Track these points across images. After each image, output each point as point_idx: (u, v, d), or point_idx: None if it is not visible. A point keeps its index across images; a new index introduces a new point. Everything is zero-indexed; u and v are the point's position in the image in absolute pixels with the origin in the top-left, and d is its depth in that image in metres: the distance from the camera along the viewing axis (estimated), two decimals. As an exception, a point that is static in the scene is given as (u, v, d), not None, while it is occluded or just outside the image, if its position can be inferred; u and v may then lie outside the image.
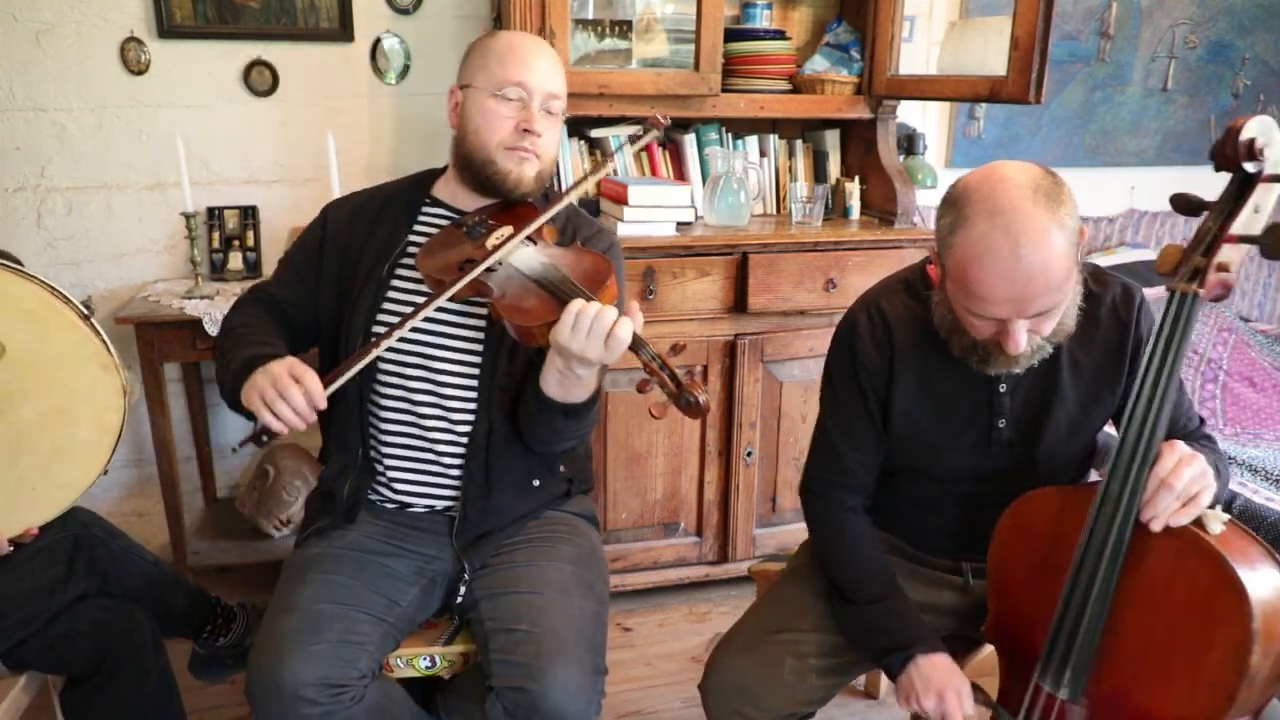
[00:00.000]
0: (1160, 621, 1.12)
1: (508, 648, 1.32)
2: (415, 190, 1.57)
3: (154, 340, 2.22)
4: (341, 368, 1.31)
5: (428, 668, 1.48)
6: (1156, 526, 1.11)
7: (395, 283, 1.48)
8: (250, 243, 2.56)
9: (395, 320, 1.42)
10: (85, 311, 1.39)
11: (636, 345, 1.20)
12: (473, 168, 1.47)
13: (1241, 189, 1.13)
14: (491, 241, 1.39)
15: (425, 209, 1.55)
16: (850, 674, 1.48)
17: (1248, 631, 1.03)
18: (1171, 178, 3.35)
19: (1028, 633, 1.26)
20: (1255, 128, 1.10)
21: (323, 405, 1.27)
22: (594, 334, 1.19)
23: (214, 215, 2.53)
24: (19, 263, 1.46)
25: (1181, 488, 1.10)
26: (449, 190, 1.55)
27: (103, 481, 1.47)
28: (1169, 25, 3.19)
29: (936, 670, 1.29)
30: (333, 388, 1.29)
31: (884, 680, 2.10)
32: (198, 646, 1.79)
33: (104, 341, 1.40)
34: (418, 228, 1.53)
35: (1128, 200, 3.34)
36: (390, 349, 1.41)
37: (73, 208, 2.47)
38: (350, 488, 1.50)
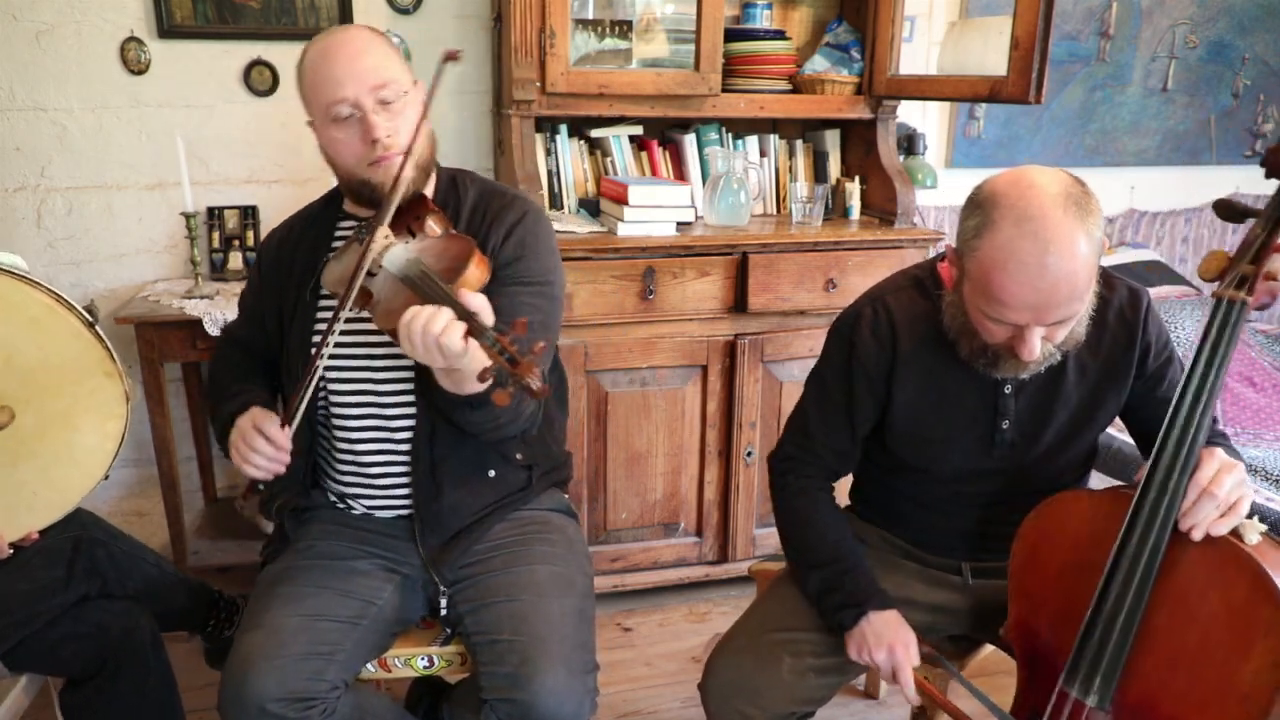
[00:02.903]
0: (1194, 631, 1.11)
1: (494, 659, 1.31)
2: (329, 207, 1.56)
3: (154, 340, 2.22)
4: (292, 402, 1.34)
5: (426, 668, 1.48)
6: (1197, 535, 1.10)
7: (321, 303, 1.47)
8: (250, 243, 2.56)
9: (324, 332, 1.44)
10: (89, 319, 1.40)
11: (475, 335, 1.14)
12: (353, 191, 1.45)
13: None
14: (373, 246, 1.33)
15: (340, 223, 1.53)
16: (849, 673, 1.48)
17: None
18: (1171, 178, 3.35)
19: (1053, 637, 1.25)
20: None
21: (287, 446, 1.33)
22: (425, 345, 1.14)
23: (214, 215, 2.53)
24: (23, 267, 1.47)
25: (1223, 496, 1.09)
26: (352, 203, 1.52)
27: (103, 481, 1.47)
28: (1169, 25, 3.19)
29: (887, 625, 1.32)
30: (291, 427, 1.34)
31: (884, 681, 2.10)
32: (205, 641, 1.80)
33: (107, 349, 1.40)
34: (335, 244, 1.50)
35: (1128, 200, 3.34)
36: (329, 366, 1.44)
37: (73, 208, 2.47)
38: (288, 510, 1.51)
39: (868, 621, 1.33)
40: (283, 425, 1.34)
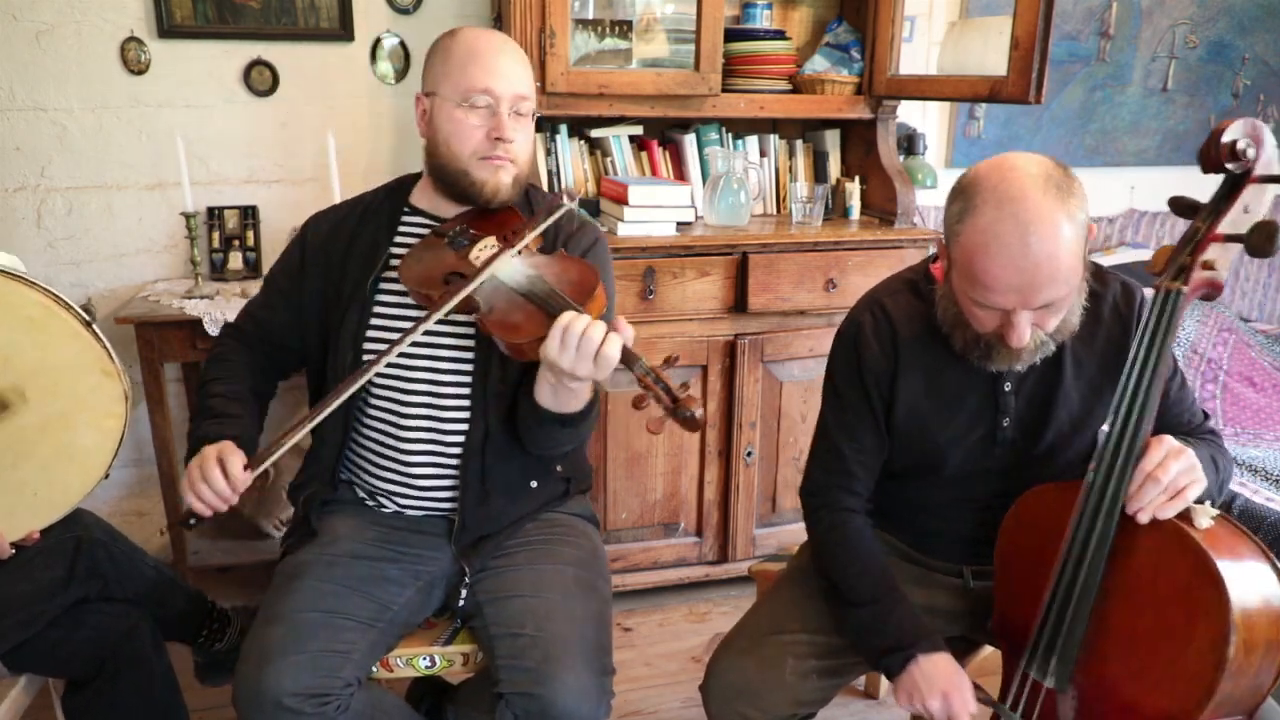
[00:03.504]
0: (1145, 613, 1.14)
1: (514, 653, 1.32)
2: (393, 199, 1.55)
3: (154, 340, 2.22)
4: (274, 444, 1.31)
5: (427, 667, 1.48)
6: (1143, 519, 1.13)
7: (380, 297, 1.47)
8: (250, 243, 2.56)
9: (383, 335, 1.44)
10: (87, 318, 1.39)
11: (628, 360, 1.18)
12: (447, 178, 1.45)
13: (1230, 190, 1.16)
14: (475, 253, 1.37)
15: (405, 218, 1.52)
16: (851, 674, 1.48)
17: (1226, 624, 1.05)
18: (1171, 178, 3.35)
19: (1024, 626, 1.27)
20: (1238, 130, 1.13)
21: (241, 489, 1.31)
22: (583, 351, 1.18)
23: (214, 215, 2.53)
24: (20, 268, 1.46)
25: (1168, 481, 1.12)
26: (427, 198, 1.53)
27: (103, 481, 1.47)
28: (1169, 25, 3.19)
29: (939, 670, 1.28)
30: (262, 467, 1.32)
31: (884, 680, 2.10)
32: (196, 654, 1.79)
33: (105, 347, 1.40)
34: (398, 238, 1.50)
35: (1128, 200, 3.35)
36: (391, 364, 1.43)
37: (73, 208, 2.47)
38: (315, 501, 1.51)
39: (918, 666, 1.27)
40: (248, 467, 1.32)
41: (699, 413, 1.15)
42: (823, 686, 1.42)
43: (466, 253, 1.38)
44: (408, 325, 1.40)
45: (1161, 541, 1.13)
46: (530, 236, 1.37)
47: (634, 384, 1.20)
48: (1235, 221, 1.16)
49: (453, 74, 1.41)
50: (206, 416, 1.43)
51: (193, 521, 1.32)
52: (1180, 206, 1.21)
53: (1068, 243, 1.15)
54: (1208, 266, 1.16)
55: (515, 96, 1.42)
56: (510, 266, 1.34)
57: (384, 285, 1.47)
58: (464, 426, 1.45)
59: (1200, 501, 1.15)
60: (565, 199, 1.42)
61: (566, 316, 1.19)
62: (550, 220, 1.41)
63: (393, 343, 1.34)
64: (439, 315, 1.31)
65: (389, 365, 1.41)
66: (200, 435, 1.39)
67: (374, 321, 1.46)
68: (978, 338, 1.28)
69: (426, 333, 1.39)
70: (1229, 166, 1.14)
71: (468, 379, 1.44)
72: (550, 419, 1.32)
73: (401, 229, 1.52)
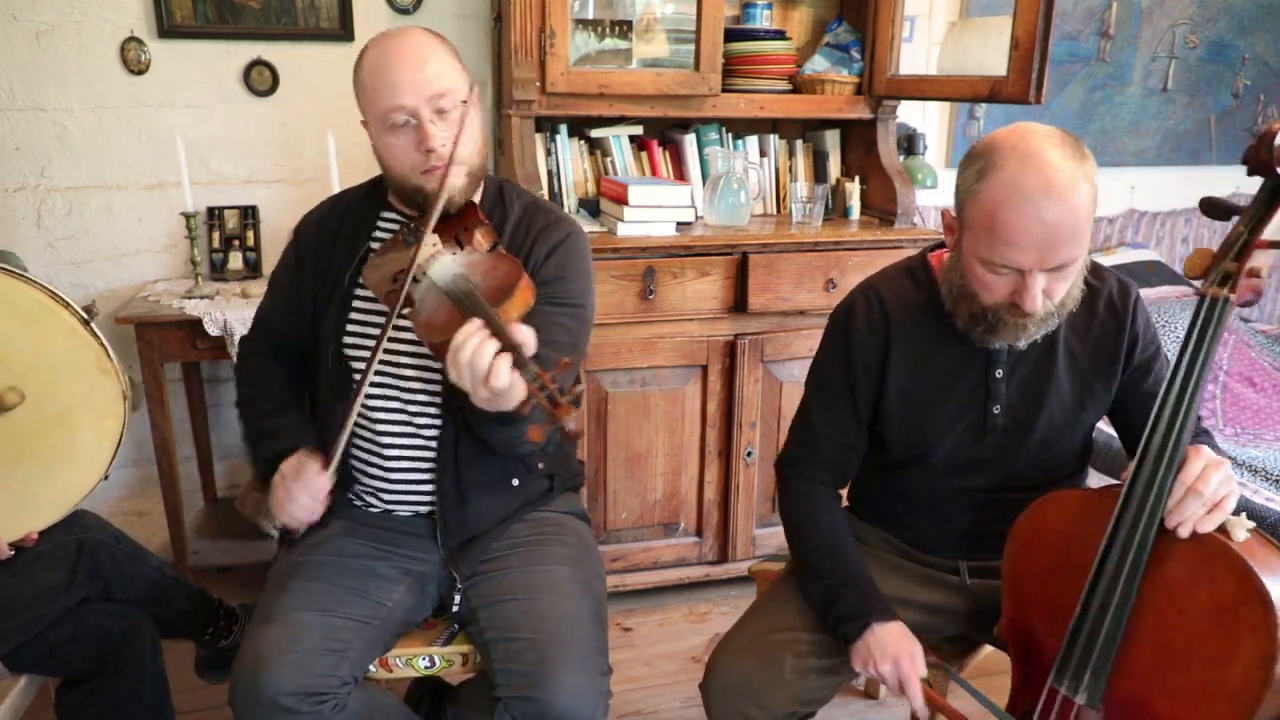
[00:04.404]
0: (1181, 628, 1.11)
1: (510, 656, 1.32)
2: (372, 196, 1.55)
3: (154, 340, 2.22)
4: (335, 437, 1.34)
5: (427, 668, 1.48)
6: (1184, 532, 1.10)
7: (359, 293, 1.48)
8: (250, 243, 2.56)
9: (361, 330, 1.46)
10: (85, 316, 1.39)
11: (519, 366, 1.14)
12: (404, 195, 1.45)
13: (1274, 194, 1.13)
14: (421, 252, 1.33)
15: (383, 214, 1.53)
16: (850, 673, 1.48)
17: (1274, 643, 1.02)
18: (1171, 178, 3.35)
19: (1044, 636, 1.25)
20: None
21: (325, 493, 1.35)
22: (473, 374, 1.14)
23: (214, 215, 2.53)
24: (20, 264, 1.46)
25: (1209, 493, 1.10)
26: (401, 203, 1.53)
27: (103, 481, 1.47)
28: (1169, 25, 3.19)
29: (891, 637, 1.31)
30: (331, 468, 1.34)
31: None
32: (200, 648, 1.79)
33: (103, 345, 1.39)
34: (377, 234, 1.51)
35: (1128, 200, 3.35)
36: (358, 359, 1.44)
37: (73, 208, 2.47)
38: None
39: (872, 634, 1.31)
40: (323, 468, 1.34)
41: (571, 426, 1.11)
42: (822, 685, 1.43)
43: (415, 250, 1.35)
44: (383, 318, 1.41)
45: (1201, 555, 1.10)
46: (432, 220, 1.33)
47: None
48: (1278, 227, 1.13)
49: (369, 100, 1.40)
50: (262, 437, 1.47)
51: (291, 539, 1.43)
52: (1214, 209, 1.18)
53: (1084, 201, 1.17)
54: (1253, 274, 1.13)
55: (430, 99, 1.35)
56: (442, 265, 1.32)
57: (362, 281, 1.47)
58: (437, 424, 1.45)
59: (1237, 513, 1.13)
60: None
61: (459, 338, 1.15)
62: (441, 200, 1.35)
63: (377, 338, 1.34)
64: (394, 317, 1.31)
65: (366, 365, 1.41)
66: (265, 457, 1.43)
67: (353, 316, 1.47)
68: (984, 310, 1.28)
69: (391, 336, 1.39)
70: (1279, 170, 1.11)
71: (436, 380, 1.44)
72: (488, 418, 1.28)
73: (380, 224, 1.52)
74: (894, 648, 1.30)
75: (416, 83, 1.35)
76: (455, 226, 1.38)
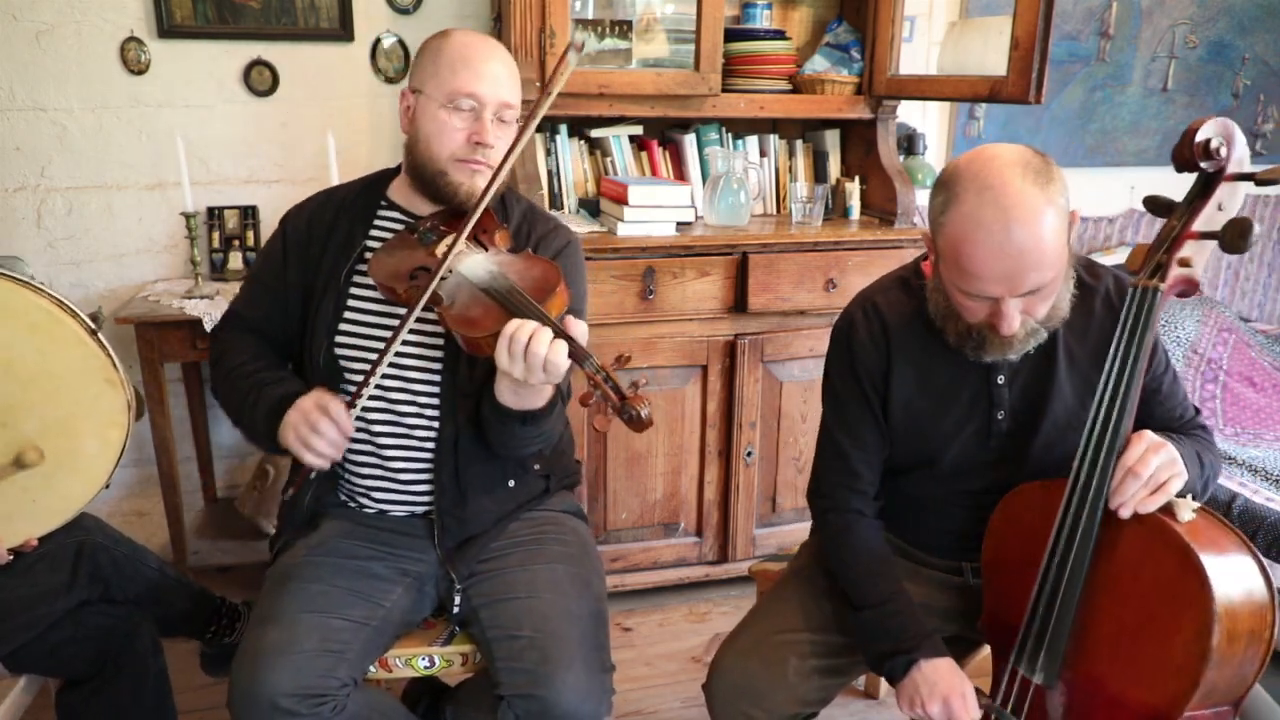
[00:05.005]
0: (1130, 607, 1.15)
1: (512, 655, 1.32)
2: (370, 192, 1.55)
3: (154, 340, 2.22)
4: (360, 387, 1.33)
5: (426, 668, 1.48)
6: (1125, 513, 1.15)
7: (354, 289, 1.47)
8: (250, 243, 2.56)
9: (356, 327, 1.45)
10: (92, 326, 1.38)
11: (579, 359, 1.17)
12: (424, 178, 1.45)
13: (1204, 188, 1.19)
14: (441, 249, 1.36)
15: (381, 212, 1.52)
16: (852, 674, 1.49)
17: (1209, 615, 1.06)
18: (1171, 178, 3.33)
19: (1013, 623, 1.28)
20: (1210, 129, 1.15)
21: (351, 432, 1.31)
22: (530, 360, 1.16)
23: (214, 215, 2.53)
24: (26, 270, 1.46)
25: (1148, 475, 1.14)
26: (404, 194, 1.52)
27: (104, 490, 1.47)
28: (1169, 25, 3.19)
29: (940, 675, 1.28)
30: (356, 409, 1.33)
31: (884, 680, 2.10)
32: (205, 646, 1.79)
33: (110, 356, 1.39)
34: (374, 231, 1.50)
35: (1128, 200, 3.34)
36: (353, 358, 1.44)
37: (73, 208, 2.47)
38: (311, 496, 1.50)
39: (919, 671, 1.28)
40: (349, 406, 1.32)
41: (645, 412, 1.14)
42: (825, 686, 1.43)
43: (434, 247, 1.38)
44: (380, 316, 1.43)
45: (1144, 535, 1.15)
46: (477, 213, 1.36)
47: (629, 385, 1.20)
48: (1210, 219, 1.18)
49: (441, 74, 1.41)
50: (264, 385, 1.40)
51: (311, 478, 1.37)
52: (1156, 205, 1.24)
53: (1050, 228, 1.16)
54: (1184, 264, 1.18)
55: (500, 103, 1.41)
56: (474, 262, 1.34)
57: (358, 277, 1.47)
58: (434, 426, 1.45)
59: (1183, 495, 1.16)
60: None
61: (513, 325, 1.18)
62: (501, 177, 1.37)
63: (387, 341, 1.34)
64: (417, 311, 1.31)
65: (365, 362, 1.42)
66: (273, 399, 1.36)
67: (348, 314, 1.46)
68: (969, 329, 1.29)
69: (391, 328, 1.39)
70: (1202, 165, 1.16)
71: (436, 379, 1.44)
72: (512, 417, 1.30)
73: (378, 222, 1.52)
74: (944, 687, 1.26)
75: (499, 81, 1.41)
76: (475, 228, 1.39)
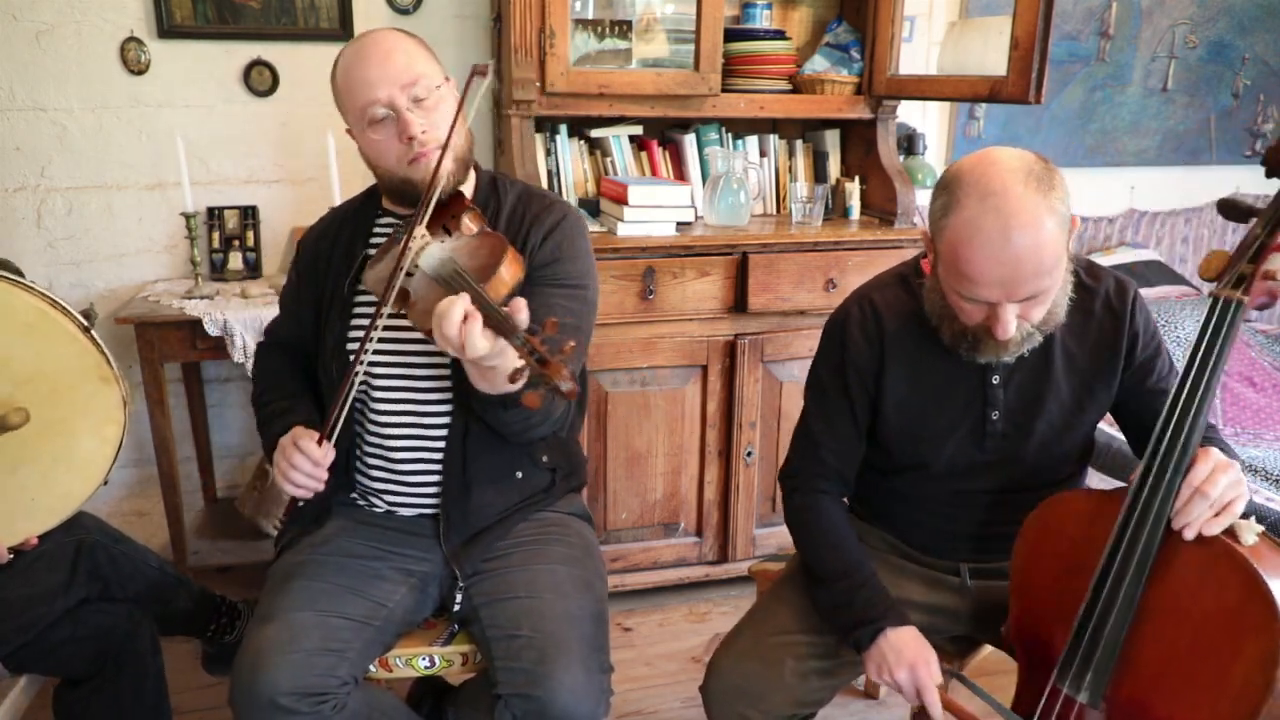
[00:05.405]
0: (1186, 630, 1.11)
1: (511, 654, 1.32)
2: (369, 202, 1.56)
3: (154, 340, 2.22)
4: (330, 412, 1.34)
5: (427, 668, 1.48)
6: (1189, 534, 1.10)
7: (359, 299, 1.48)
8: (250, 243, 2.56)
9: (362, 336, 1.43)
10: (85, 323, 1.39)
11: (506, 333, 1.12)
12: (395, 191, 1.45)
13: None
14: (409, 244, 1.32)
15: (378, 220, 1.53)
16: (850, 674, 1.48)
17: (1276, 643, 1.02)
18: (1171, 178, 3.35)
19: (1050, 635, 1.25)
20: None
21: (324, 463, 1.33)
22: (449, 342, 1.12)
23: (214, 215, 2.53)
24: (18, 270, 1.46)
25: (1216, 496, 1.09)
26: (394, 202, 1.53)
27: (102, 487, 1.47)
28: (1169, 25, 3.19)
29: (906, 643, 1.30)
30: (330, 441, 1.34)
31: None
32: (206, 645, 1.79)
33: (104, 353, 1.39)
34: (373, 240, 1.51)
35: (1128, 200, 3.35)
36: (370, 363, 1.44)
37: (73, 208, 2.47)
38: (318, 495, 1.49)
39: (885, 640, 1.30)
40: (320, 441, 1.33)
41: (565, 385, 1.09)
42: (823, 687, 1.43)
43: (405, 243, 1.34)
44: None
45: (1207, 558, 1.09)
46: (429, 207, 1.33)
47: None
48: None
49: (345, 103, 1.40)
50: (269, 422, 1.49)
51: (300, 504, 1.41)
52: (1232, 210, 1.18)
53: (1049, 235, 1.15)
54: (1270, 276, 1.12)
55: (401, 89, 1.36)
56: (432, 253, 1.30)
57: (361, 288, 1.47)
58: (446, 419, 1.45)
59: (1245, 516, 1.12)
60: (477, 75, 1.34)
61: (439, 309, 1.13)
62: (453, 131, 1.34)
63: (362, 340, 1.33)
64: (382, 318, 1.30)
65: (372, 366, 1.43)
66: (270, 439, 1.44)
67: (354, 324, 1.47)
68: (965, 330, 1.29)
69: (400, 328, 1.38)
70: None
71: (446, 372, 1.44)
72: (490, 401, 1.29)
73: (376, 231, 1.53)
74: (909, 654, 1.28)
75: (387, 74, 1.36)
76: (443, 217, 1.37)
